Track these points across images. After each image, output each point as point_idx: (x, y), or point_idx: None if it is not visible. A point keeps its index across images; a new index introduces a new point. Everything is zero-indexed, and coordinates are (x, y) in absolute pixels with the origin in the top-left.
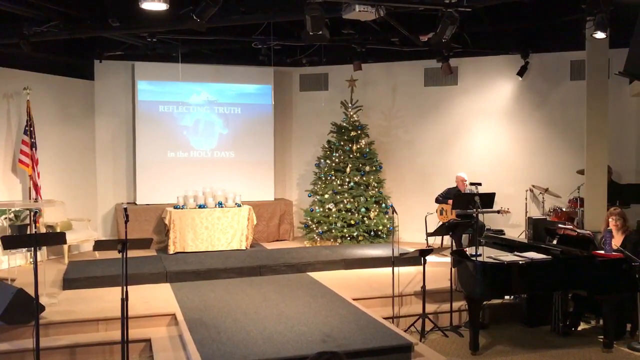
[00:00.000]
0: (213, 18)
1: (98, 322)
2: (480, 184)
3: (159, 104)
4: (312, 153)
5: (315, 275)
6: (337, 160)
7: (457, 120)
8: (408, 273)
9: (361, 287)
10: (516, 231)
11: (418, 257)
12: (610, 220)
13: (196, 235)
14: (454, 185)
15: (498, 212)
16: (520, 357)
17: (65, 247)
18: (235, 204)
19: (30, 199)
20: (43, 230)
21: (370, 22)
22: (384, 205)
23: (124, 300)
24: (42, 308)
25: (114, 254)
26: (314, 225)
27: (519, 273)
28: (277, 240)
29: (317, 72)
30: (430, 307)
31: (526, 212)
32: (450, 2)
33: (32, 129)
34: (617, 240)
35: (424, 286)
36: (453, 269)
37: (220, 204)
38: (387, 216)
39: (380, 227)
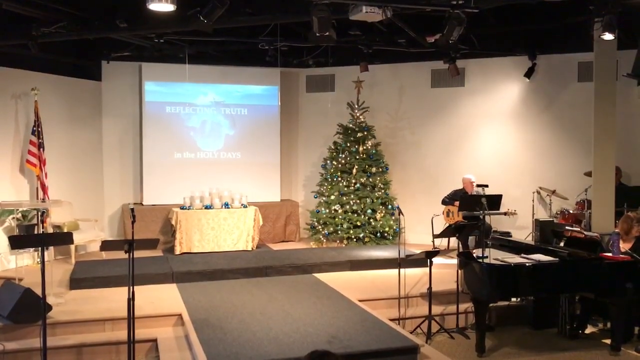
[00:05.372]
0: (220, 19)
1: (104, 322)
2: (487, 186)
3: (166, 105)
4: (318, 154)
5: (321, 276)
6: (343, 161)
7: (464, 121)
8: (414, 275)
9: (367, 289)
10: (523, 233)
11: (424, 259)
12: (634, 227)
13: (202, 235)
14: (461, 187)
15: (505, 214)
16: None
17: (72, 247)
18: (242, 204)
19: (37, 199)
20: (50, 230)
21: (377, 24)
22: (390, 206)
23: (131, 301)
24: (49, 308)
25: (121, 254)
26: (320, 227)
27: (526, 275)
28: (283, 241)
29: (323, 73)
30: (437, 309)
31: (533, 214)
32: (457, 3)
33: (39, 129)
34: (629, 244)
35: (430, 288)
36: (459, 270)
37: (226, 205)
38: (393, 218)
39: (387, 229)
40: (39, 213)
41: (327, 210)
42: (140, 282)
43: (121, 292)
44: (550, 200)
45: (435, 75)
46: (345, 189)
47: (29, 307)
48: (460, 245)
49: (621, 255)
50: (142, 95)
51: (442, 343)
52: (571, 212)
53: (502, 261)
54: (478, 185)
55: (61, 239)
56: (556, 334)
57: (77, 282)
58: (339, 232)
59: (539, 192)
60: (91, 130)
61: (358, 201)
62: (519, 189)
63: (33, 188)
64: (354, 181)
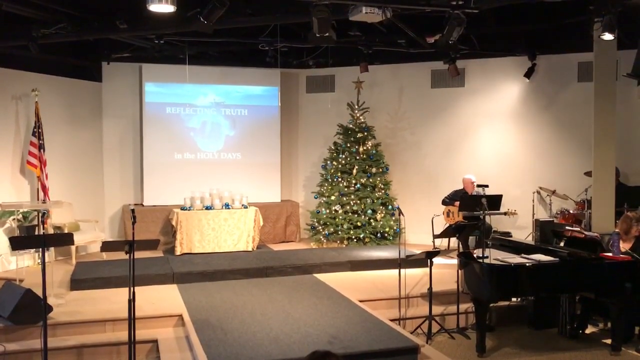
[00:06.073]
0: (220, 20)
1: (105, 323)
2: (487, 186)
3: (166, 106)
4: (318, 154)
5: (322, 276)
6: (343, 161)
7: (464, 122)
8: (414, 275)
9: (367, 289)
10: (523, 233)
11: (425, 259)
12: (634, 227)
13: (203, 236)
14: (461, 187)
15: (505, 214)
16: None
17: (73, 248)
18: (242, 205)
19: (38, 200)
20: (51, 231)
21: (377, 24)
22: (390, 207)
23: (131, 301)
24: (50, 308)
25: (121, 255)
26: (320, 227)
27: (526, 275)
28: (284, 242)
29: (323, 74)
30: (437, 309)
31: (533, 214)
32: (457, 4)
33: (40, 130)
34: (629, 244)
35: (430, 288)
36: (460, 271)
37: (226, 206)
38: (393, 218)
39: (387, 229)
40: (40, 214)
41: (328, 211)
42: (141, 282)
43: (122, 293)
44: (551, 200)
45: (435, 76)
46: (346, 189)
47: (30, 308)
48: (461, 246)
49: (621, 255)
50: (142, 96)
51: (443, 343)
52: (571, 211)
53: (502, 261)
54: (478, 186)
55: (62, 239)
56: (556, 334)
57: (77, 282)
58: (339, 232)
59: (539, 192)
60: (91, 131)
61: (358, 201)
62: (519, 189)
63: (34, 189)
64: (354, 181)
